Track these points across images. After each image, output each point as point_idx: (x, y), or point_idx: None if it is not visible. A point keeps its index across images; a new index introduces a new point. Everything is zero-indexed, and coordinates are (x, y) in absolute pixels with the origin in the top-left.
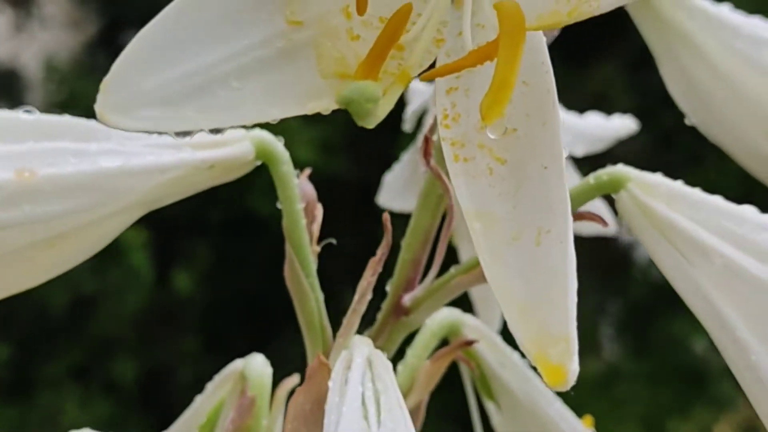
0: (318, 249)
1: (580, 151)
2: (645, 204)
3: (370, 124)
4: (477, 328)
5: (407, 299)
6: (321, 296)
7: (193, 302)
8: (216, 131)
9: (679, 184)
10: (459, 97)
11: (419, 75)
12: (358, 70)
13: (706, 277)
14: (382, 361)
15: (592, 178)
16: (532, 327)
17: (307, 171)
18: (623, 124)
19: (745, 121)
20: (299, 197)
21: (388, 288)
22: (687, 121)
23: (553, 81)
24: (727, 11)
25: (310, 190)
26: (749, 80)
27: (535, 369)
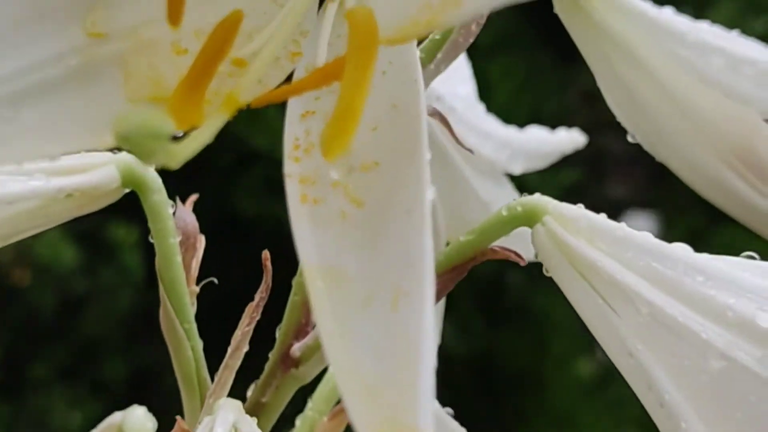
0: (196, 290)
1: (517, 169)
2: (563, 240)
3: (171, 163)
4: None
5: (297, 348)
6: (199, 344)
7: None
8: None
9: (602, 218)
10: (316, 123)
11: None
12: (176, 91)
13: (630, 328)
14: (252, 429)
15: (504, 209)
16: (378, 412)
17: (193, 197)
18: (569, 138)
19: (693, 139)
20: (174, 230)
21: (276, 333)
22: (630, 139)
23: (425, 105)
24: (669, 15)
25: (190, 220)
26: (696, 93)
27: None
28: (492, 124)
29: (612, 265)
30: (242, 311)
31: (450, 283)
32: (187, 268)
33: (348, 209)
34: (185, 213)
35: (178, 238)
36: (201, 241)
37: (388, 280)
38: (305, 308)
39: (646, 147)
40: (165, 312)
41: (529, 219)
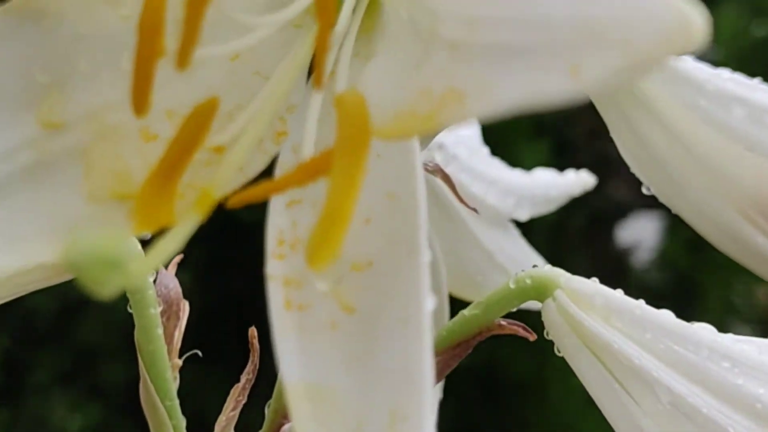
0: (179, 363)
1: (524, 216)
2: (576, 318)
3: (129, 284)
4: None
5: (287, 429)
6: (182, 422)
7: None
8: None
9: (619, 294)
10: (304, 213)
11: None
12: (145, 186)
13: (650, 418)
14: None
15: (513, 282)
16: None
17: (177, 258)
18: (578, 181)
19: (710, 192)
20: (154, 300)
21: (266, 411)
22: (644, 190)
23: (424, 196)
24: (688, 63)
25: (173, 286)
26: (715, 145)
27: None
28: (497, 169)
29: (630, 348)
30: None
31: (453, 361)
32: (169, 339)
33: (338, 317)
34: (168, 278)
35: (160, 308)
36: (185, 309)
37: (383, 401)
38: None
39: (661, 198)
40: (145, 388)
41: (539, 293)
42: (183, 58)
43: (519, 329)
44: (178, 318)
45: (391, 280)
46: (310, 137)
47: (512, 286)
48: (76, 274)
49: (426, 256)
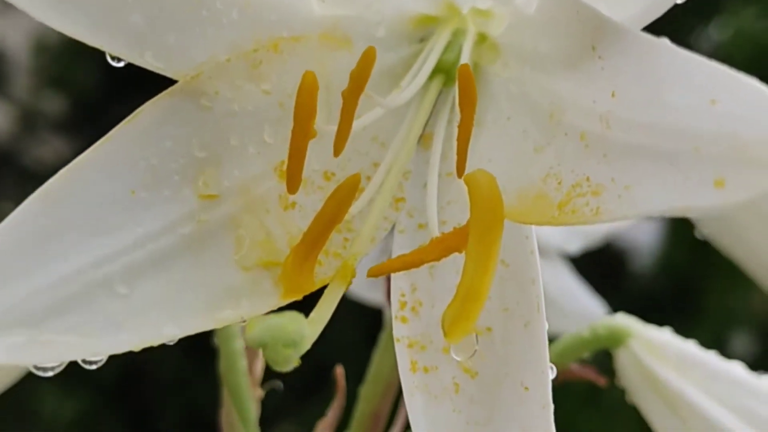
0: (262, 393)
1: (574, 248)
2: (649, 369)
3: (289, 365)
4: None
5: None
6: None
7: None
8: (89, 363)
9: (690, 346)
10: (421, 277)
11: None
12: (290, 258)
13: None
14: None
15: (587, 330)
16: None
17: None
18: None
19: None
20: (239, 333)
21: None
22: (697, 234)
23: (540, 270)
24: None
25: None
26: None
27: None
28: None
29: (702, 399)
30: None
31: None
32: (251, 370)
33: (461, 380)
34: None
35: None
36: None
37: None
38: (373, 419)
39: (715, 240)
40: (228, 418)
41: (612, 341)
42: (339, 145)
43: (591, 375)
44: (258, 351)
45: (509, 346)
46: (433, 215)
47: (586, 334)
48: (259, 349)
49: (543, 325)
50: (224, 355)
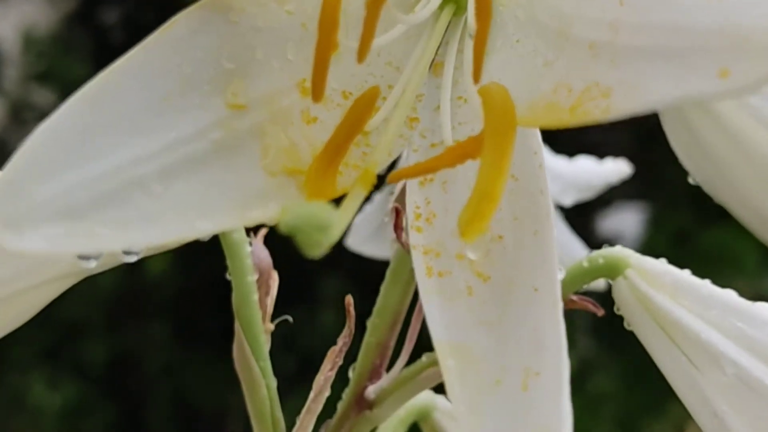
0: (272, 327)
1: (569, 200)
2: (646, 295)
3: (320, 251)
4: (451, 413)
5: (372, 391)
6: (274, 383)
7: (165, 286)
8: (128, 253)
9: (686, 275)
10: (435, 191)
11: (385, 177)
12: (313, 166)
13: (715, 388)
14: None
15: (585, 260)
16: None
17: (263, 232)
18: (615, 169)
19: (756, 185)
20: (251, 268)
21: (350, 374)
22: (690, 180)
23: (547, 179)
24: None
25: (264, 256)
26: (763, 140)
27: None
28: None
29: (696, 324)
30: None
31: None
32: (261, 305)
33: (474, 284)
34: (260, 249)
35: (255, 277)
36: (275, 278)
37: (517, 359)
38: (380, 349)
39: (707, 190)
40: (240, 351)
41: (611, 271)
42: (362, 52)
43: (589, 305)
44: (269, 286)
45: (519, 252)
46: (447, 124)
47: (585, 264)
48: (293, 235)
49: (553, 233)
50: (237, 288)
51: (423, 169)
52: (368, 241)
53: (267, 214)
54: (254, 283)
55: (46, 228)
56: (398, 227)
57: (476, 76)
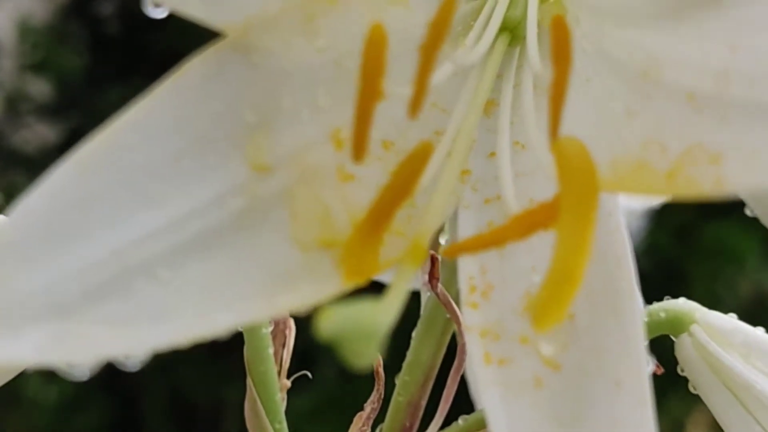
0: (288, 384)
1: None
2: (714, 355)
3: (366, 361)
4: None
5: None
6: None
7: None
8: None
9: (759, 333)
10: (491, 258)
11: (441, 250)
12: (352, 236)
13: None
14: None
15: (645, 314)
16: None
17: None
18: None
19: None
20: (266, 319)
21: None
22: (748, 212)
23: (628, 246)
24: None
25: None
26: None
27: None
28: None
29: None
30: None
31: None
32: (276, 358)
33: (543, 374)
34: None
35: (270, 328)
36: (291, 328)
37: None
38: (410, 410)
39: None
40: (253, 411)
41: (674, 327)
42: (415, 106)
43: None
44: (285, 337)
45: (596, 336)
46: (509, 187)
47: (645, 319)
48: (333, 344)
49: (637, 312)
50: (250, 341)
51: (485, 243)
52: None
53: (298, 298)
54: (269, 335)
55: (30, 331)
56: (433, 277)
57: (554, 132)
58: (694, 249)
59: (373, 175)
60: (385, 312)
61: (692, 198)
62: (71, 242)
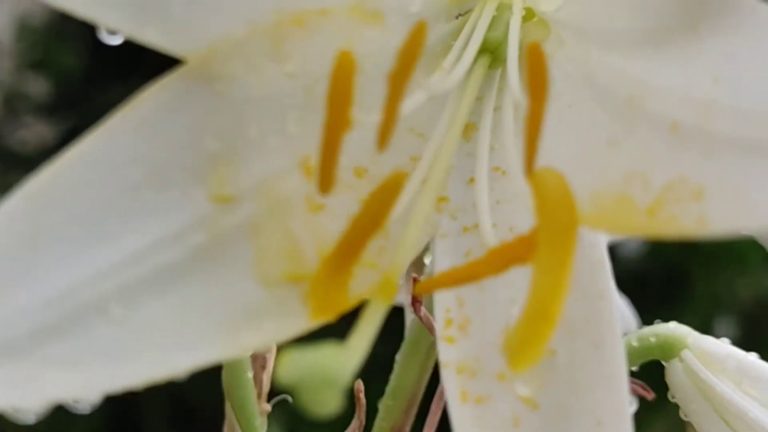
0: (269, 408)
1: None
2: (706, 382)
3: (328, 409)
4: None
5: None
6: None
7: None
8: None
9: (752, 358)
10: (469, 292)
11: (412, 284)
12: (320, 269)
13: None
14: None
15: (635, 338)
16: None
17: None
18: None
19: None
20: None
21: None
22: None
23: (610, 278)
24: None
25: None
26: None
27: None
28: None
29: (766, 417)
30: None
31: None
32: (256, 382)
33: (521, 412)
34: None
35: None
36: (272, 350)
37: None
38: None
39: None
40: None
41: (664, 352)
42: (383, 138)
43: (639, 389)
44: (265, 360)
45: (576, 373)
46: (485, 217)
47: (635, 343)
48: (292, 390)
49: (619, 348)
50: (227, 365)
51: (460, 278)
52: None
53: (262, 336)
54: (248, 359)
55: None
56: (416, 300)
57: (529, 166)
58: (695, 251)
59: (344, 205)
60: (351, 354)
61: (675, 237)
62: (20, 280)
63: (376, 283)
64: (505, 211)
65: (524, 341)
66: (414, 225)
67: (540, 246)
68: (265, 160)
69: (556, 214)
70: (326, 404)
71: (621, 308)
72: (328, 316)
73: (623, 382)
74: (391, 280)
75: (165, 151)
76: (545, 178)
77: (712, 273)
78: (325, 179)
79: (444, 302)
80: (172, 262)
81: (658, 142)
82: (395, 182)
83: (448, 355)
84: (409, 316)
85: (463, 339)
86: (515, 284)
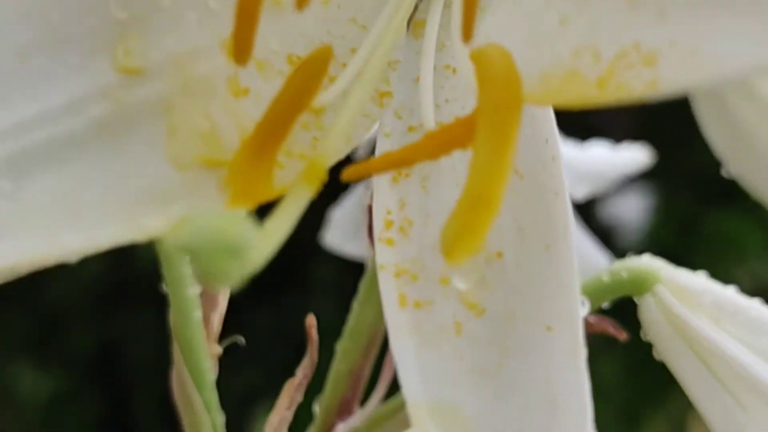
0: (220, 350)
1: (581, 194)
2: (680, 317)
3: (230, 282)
4: None
5: (342, 430)
6: (221, 419)
7: (155, 273)
8: None
9: (730, 293)
10: (412, 190)
11: (342, 172)
12: (240, 153)
13: (760, 427)
14: None
15: (606, 274)
16: None
17: None
18: (632, 157)
19: None
20: (191, 279)
21: (315, 408)
22: (724, 173)
23: (563, 176)
24: None
25: None
26: None
27: None
28: None
29: (744, 355)
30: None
31: None
32: (206, 323)
33: (464, 318)
34: None
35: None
36: (224, 290)
37: (523, 424)
38: (352, 379)
39: (741, 177)
40: (179, 379)
41: (637, 287)
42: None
43: (609, 328)
44: (215, 301)
45: (525, 276)
46: (429, 100)
47: (606, 279)
48: (189, 259)
49: (571, 250)
50: (175, 304)
51: (393, 162)
52: (350, 238)
53: (168, 222)
54: (196, 298)
55: None
56: (373, 231)
57: (466, 34)
58: (695, 242)
59: (272, 92)
60: (267, 239)
61: (622, 101)
62: None
63: (302, 170)
64: (454, 109)
65: (461, 229)
66: (347, 110)
67: (480, 126)
68: (182, 35)
69: (498, 92)
70: (226, 276)
71: (592, 249)
72: (247, 204)
73: (574, 286)
74: (318, 167)
75: (61, 12)
76: (488, 55)
77: (711, 262)
78: (242, 45)
79: (384, 203)
80: (68, 133)
81: (610, 12)
82: (320, 57)
83: (386, 257)
84: (369, 251)
85: (404, 241)
86: (462, 186)
